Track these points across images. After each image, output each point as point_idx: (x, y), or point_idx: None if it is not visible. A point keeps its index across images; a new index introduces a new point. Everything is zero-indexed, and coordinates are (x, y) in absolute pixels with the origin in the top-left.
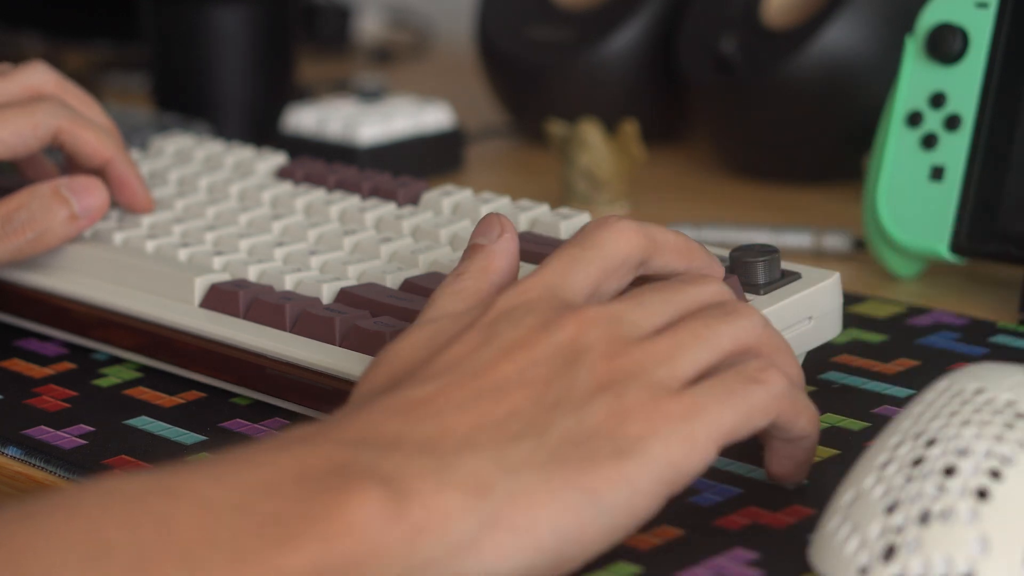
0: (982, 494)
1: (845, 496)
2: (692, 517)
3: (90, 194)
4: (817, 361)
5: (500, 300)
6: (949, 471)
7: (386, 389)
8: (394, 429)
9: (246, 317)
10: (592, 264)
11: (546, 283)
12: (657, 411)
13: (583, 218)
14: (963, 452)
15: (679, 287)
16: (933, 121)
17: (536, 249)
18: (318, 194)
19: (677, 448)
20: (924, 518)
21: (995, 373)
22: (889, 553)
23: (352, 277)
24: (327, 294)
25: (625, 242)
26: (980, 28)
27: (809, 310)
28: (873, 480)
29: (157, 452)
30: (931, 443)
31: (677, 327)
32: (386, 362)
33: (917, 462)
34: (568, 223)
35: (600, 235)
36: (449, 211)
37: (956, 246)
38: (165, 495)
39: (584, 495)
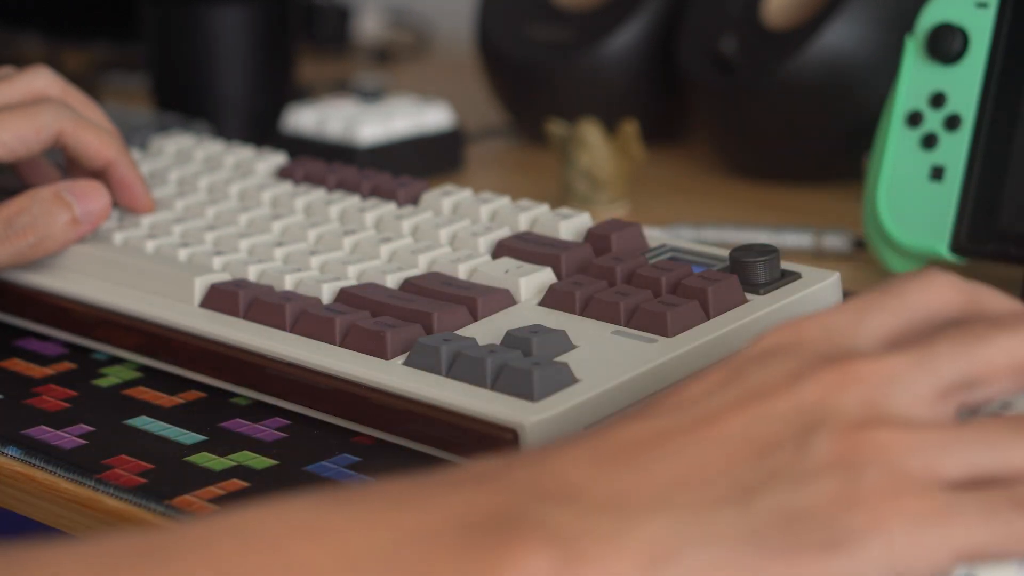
0: None
1: None
2: None
3: (91, 198)
4: None
5: (767, 336)
6: None
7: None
8: (582, 477)
9: (246, 317)
10: (886, 311)
11: (826, 324)
12: (893, 505)
13: (583, 218)
14: None
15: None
16: (933, 121)
17: (536, 249)
18: (318, 194)
19: (903, 553)
20: None
21: None
22: None
23: (352, 277)
24: (327, 294)
25: (936, 295)
26: (980, 28)
27: (809, 310)
28: None
29: (157, 452)
30: None
31: (967, 418)
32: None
33: None
34: (568, 223)
35: (907, 283)
36: (449, 211)
37: (956, 246)
38: (307, 540)
39: None
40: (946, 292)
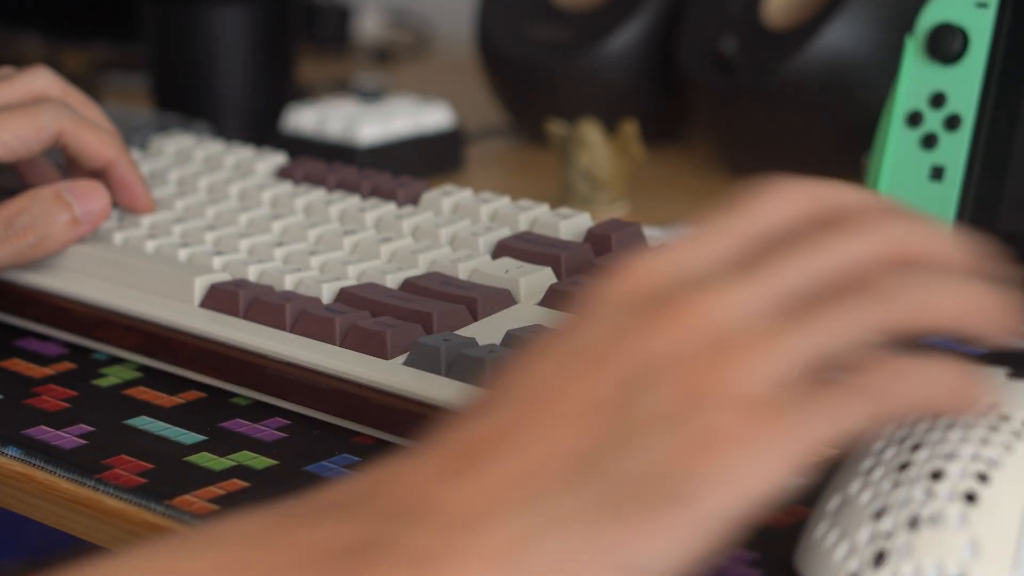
0: (970, 498)
1: (831, 502)
2: None
3: (91, 198)
4: None
5: (603, 293)
6: (936, 475)
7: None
8: (432, 490)
9: (246, 317)
10: (722, 231)
11: (662, 265)
12: (729, 439)
13: (583, 218)
14: (950, 456)
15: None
16: (933, 121)
17: (536, 249)
18: (318, 194)
19: (752, 480)
20: (913, 523)
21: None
22: (879, 559)
23: (352, 277)
24: (327, 294)
25: (778, 204)
26: (980, 28)
27: None
28: (859, 485)
29: (157, 452)
30: (916, 447)
31: (796, 310)
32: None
33: (903, 467)
34: (568, 223)
35: (746, 199)
36: (449, 211)
37: None
38: None
39: (634, 554)
40: (791, 197)
